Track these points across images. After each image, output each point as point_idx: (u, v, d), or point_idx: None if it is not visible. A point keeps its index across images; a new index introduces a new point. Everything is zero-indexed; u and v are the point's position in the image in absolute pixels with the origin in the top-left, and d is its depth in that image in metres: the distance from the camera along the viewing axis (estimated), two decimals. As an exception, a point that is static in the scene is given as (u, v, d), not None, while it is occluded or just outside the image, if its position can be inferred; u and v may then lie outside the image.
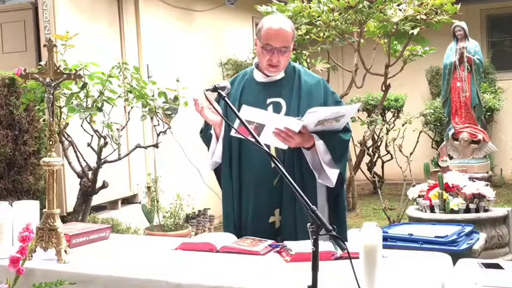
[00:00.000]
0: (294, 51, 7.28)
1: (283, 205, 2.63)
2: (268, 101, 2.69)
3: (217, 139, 2.73)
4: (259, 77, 2.75)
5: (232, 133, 2.48)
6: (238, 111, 2.37)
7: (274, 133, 2.46)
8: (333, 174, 2.61)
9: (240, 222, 2.70)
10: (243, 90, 2.74)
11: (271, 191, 2.63)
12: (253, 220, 2.65)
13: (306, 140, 2.56)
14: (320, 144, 2.56)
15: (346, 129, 2.64)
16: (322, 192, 2.69)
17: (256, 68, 2.77)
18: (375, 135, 9.04)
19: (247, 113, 2.40)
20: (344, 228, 2.73)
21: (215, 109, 2.43)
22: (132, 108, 4.23)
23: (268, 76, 2.72)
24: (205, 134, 2.83)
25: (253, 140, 2.10)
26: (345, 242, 1.69)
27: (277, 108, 2.67)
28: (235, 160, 2.70)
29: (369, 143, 8.94)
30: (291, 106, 2.66)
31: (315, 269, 1.66)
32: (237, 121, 2.32)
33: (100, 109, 3.85)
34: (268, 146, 2.46)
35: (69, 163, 4.19)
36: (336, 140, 2.60)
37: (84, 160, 4.22)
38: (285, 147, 2.53)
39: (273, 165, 2.57)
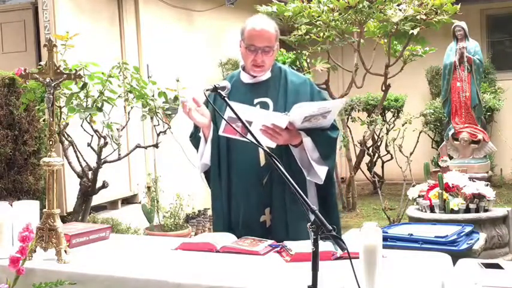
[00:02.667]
0: (294, 51, 7.30)
1: (273, 204, 2.64)
2: (256, 101, 2.70)
3: (206, 141, 2.74)
4: (245, 78, 2.78)
5: (220, 132, 2.49)
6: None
7: (261, 130, 2.47)
8: (321, 171, 2.62)
9: (230, 222, 2.71)
10: (231, 93, 2.74)
11: (260, 190, 2.63)
12: (244, 220, 2.66)
13: (293, 137, 2.57)
14: (308, 141, 2.57)
15: (334, 127, 2.66)
16: (312, 191, 2.70)
17: (242, 70, 2.80)
18: (375, 135, 9.04)
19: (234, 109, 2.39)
20: (338, 229, 2.74)
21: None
22: (132, 108, 4.23)
23: (254, 77, 2.75)
24: (195, 137, 2.84)
25: (253, 140, 2.11)
26: (344, 242, 1.69)
27: (264, 108, 2.69)
28: (223, 161, 2.71)
29: (369, 143, 8.94)
30: (278, 105, 2.67)
31: (315, 269, 1.66)
32: (226, 120, 2.33)
33: (100, 109, 3.85)
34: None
35: (69, 163, 4.19)
36: (323, 137, 2.61)
37: (84, 160, 4.22)
38: (273, 145, 2.53)
39: (262, 164, 2.59)
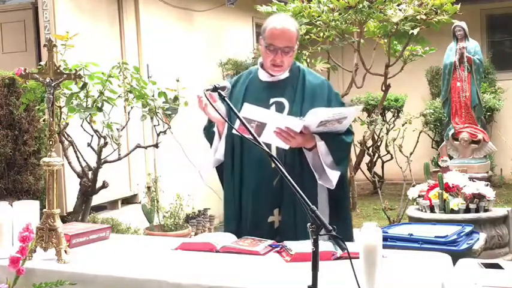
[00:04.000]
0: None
1: (283, 205, 2.63)
2: (271, 100, 2.69)
3: (220, 137, 2.73)
4: (263, 76, 2.75)
5: (234, 130, 2.48)
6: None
7: (275, 132, 2.46)
8: (333, 176, 2.60)
9: (240, 221, 2.70)
10: (247, 89, 2.74)
11: (271, 191, 2.62)
12: (252, 219, 2.65)
13: (307, 141, 2.55)
14: (321, 145, 2.56)
15: (349, 132, 2.64)
16: (323, 193, 2.68)
17: (261, 68, 2.77)
18: (375, 135, 9.04)
19: (249, 111, 2.40)
20: (350, 232, 2.72)
21: (215, 109, 2.43)
22: (132, 108, 4.23)
23: (272, 76, 2.72)
24: (209, 132, 2.83)
25: (253, 139, 2.11)
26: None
27: (280, 108, 2.67)
28: (237, 159, 2.70)
29: (369, 143, 8.94)
30: (293, 106, 2.65)
31: (315, 269, 1.66)
32: (238, 120, 2.33)
33: (100, 109, 3.85)
34: (268, 146, 2.46)
35: (69, 163, 4.19)
36: (338, 142, 2.59)
37: (84, 160, 4.22)
38: (286, 147, 2.52)
39: (273, 164, 2.58)
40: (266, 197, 2.64)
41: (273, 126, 2.45)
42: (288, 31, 2.61)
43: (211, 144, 2.81)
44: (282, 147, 2.52)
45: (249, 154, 2.66)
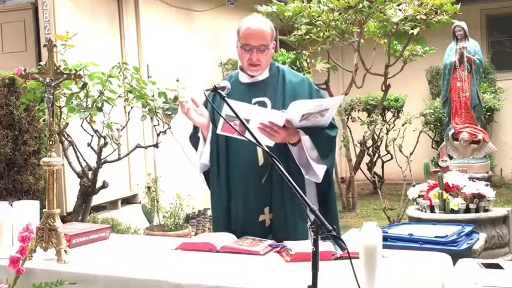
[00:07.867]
0: (294, 51, 7.30)
1: (273, 203, 2.64)
2: (254, 100, 2.71)
3: (205, 141, 2.75)
4: (243, 78, 2.79)
5: (219, 131, 2.49)
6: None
7: (259, 129, 2.47)
8: (320, 170, 2.62)
9: (230, 222, 2.71)
10: (229, 92, 2.75)
11: (259, 190, 2.63)
12: (243, 219, 2.66)
13: (291, 135, 2.57)
14: (306, 139, 2.57)
15: (333, 126, 2.66)
16: (312, 190, 2.70)
17: (241, 71, 2.80)
18: (375, 135, 9.04)
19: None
20: (337, 229, 2.73)
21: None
22: (132, 108, 4.23)
23: (252, 76, 2.75)
24: (194, 137, 2.85)
25: (252, 138, 2.12)
26: (344, 242, 1.69)
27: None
28: (222, 161, 2.71)
29: (369, 143, 8.95)
30: (276, 105, 2.68)
31: (315, 269, 1.66)
32: (224, 118, 2.34)
33: (100, 109, 3.85)
34: (255, 146, 2.47)
35: (69, 163, 4.19)
36: (322, 136, 2.61)
37: (84, 160, 4.22)
38: (271, 143, 2.53)
39: (260, 163, 2.60)
40: (255, 196, 2.64)
41: (256, 122, 2.46)
42: (261, 30, 2.65)
43: (196, 150, 2.83)
44: (267, 144, 2.53)
45: (234, 155, 2.68)
